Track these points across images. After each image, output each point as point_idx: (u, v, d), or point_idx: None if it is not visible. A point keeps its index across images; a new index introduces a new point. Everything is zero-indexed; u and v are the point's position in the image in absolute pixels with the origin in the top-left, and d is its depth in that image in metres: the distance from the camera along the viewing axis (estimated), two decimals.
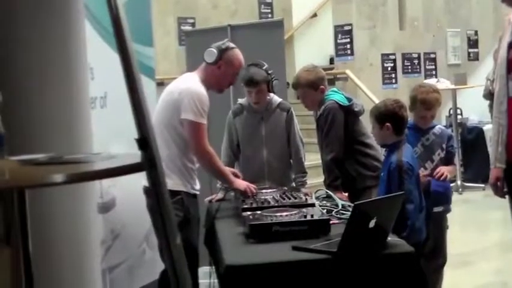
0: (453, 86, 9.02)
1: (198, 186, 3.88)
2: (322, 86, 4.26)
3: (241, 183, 3.85)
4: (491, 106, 9.14)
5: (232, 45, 3.94)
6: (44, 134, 1.95)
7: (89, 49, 2.21)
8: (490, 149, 3.72)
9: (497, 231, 6.99)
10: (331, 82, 7.64)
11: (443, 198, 4.13)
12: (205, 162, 3.77)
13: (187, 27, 8.83)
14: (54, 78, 1.98)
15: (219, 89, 3.94)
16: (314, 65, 4.51)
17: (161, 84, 6.54)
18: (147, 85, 3.89)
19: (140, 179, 3.60)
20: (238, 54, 3.92)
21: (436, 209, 4.08)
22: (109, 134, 3.76)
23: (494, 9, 10.71)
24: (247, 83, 4.17)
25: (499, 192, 3.66)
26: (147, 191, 3.71)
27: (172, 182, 3.62)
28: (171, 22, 9.08)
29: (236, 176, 3.98)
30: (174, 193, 3.55)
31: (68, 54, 2.02)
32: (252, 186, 3.85)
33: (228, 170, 3.96)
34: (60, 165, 1.50)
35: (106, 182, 3.88)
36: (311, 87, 4.22)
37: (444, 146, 4.22)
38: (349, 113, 4.21)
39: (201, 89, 3.74)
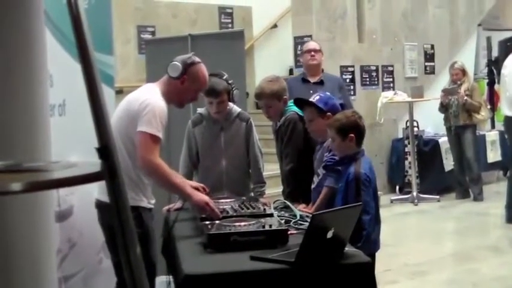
0: (410, 99, 9.17)
1: (153, 200, 3.76)
2: (285, 97, 4.29)
3: (200, 200, 3.52)
4: (445, 119, 9.26)
5: (197, 59, 3.74)
6: (2, 141, 1.92)
7: (48, 56, 2.20)
8: None
9: (451, 241, 7.11)
10: None
11: None
12: (151, 173, 3.51)
13: (147, 36, 8.81)
14: (13, 85, 1.96)
15: (180, 104, 3.80)
16: (276, 76, 4.54)
17: (120, 92, 6.51)
18: (106, 93, 3.85)
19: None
20: (203, 69, 3.75)
21: None
22: (68, 142, 3.72)
23: (451, 24, 10.92)
24: (209, 93, 4.15)
25: None
26: (99, 205, 3.66)
27: (128, 197, 3.52)
28: (131, 30, 9.05)
29: (203, 190, 3.74)
30: (131, 209, 3.46)
31: (27, 61, 2.00)
32: (212, 203, 3.51)
33: (187, 182, 3.76)
34: (19, 173, 1.48)
35: (63, 190, 3.83)
36: (275, 97, 4.25)
37: None
38: None
39: (161, 102, 3.57)
